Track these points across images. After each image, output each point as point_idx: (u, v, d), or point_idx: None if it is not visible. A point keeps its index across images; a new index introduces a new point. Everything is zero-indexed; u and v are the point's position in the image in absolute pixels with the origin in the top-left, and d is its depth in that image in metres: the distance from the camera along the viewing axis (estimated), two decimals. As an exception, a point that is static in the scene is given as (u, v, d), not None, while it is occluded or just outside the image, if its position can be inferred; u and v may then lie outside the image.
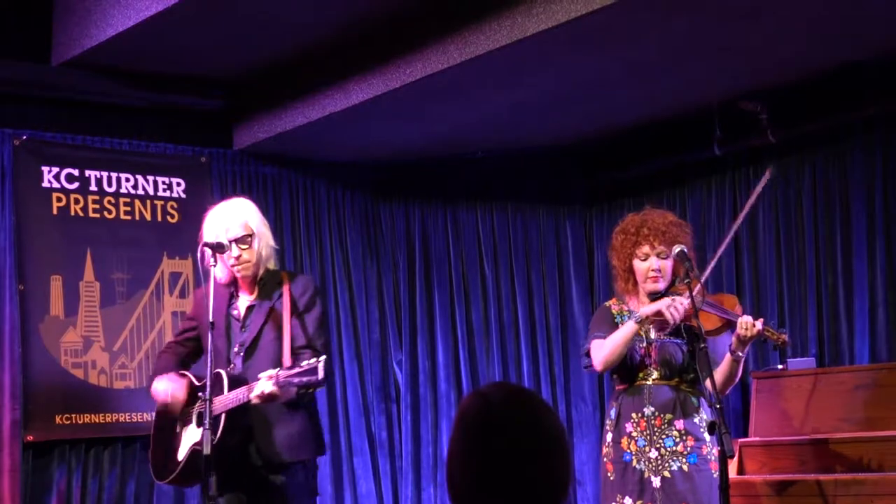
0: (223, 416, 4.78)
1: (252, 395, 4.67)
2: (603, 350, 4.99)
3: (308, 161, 7.65)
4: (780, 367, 6.70)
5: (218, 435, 4.74)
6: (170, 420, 5.18)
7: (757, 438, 6.32)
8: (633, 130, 7.76)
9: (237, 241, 4.96)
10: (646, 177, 8.05)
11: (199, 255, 5.07)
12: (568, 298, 8.32)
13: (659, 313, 4.87)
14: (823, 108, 6.91)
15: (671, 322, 4.86)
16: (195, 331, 5.24)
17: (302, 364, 4.58)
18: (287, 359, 4.79)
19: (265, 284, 5.09)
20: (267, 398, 4.64)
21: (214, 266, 4.91)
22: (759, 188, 5.24)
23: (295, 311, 5.00)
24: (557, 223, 8.39)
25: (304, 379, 4.53)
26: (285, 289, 5.05)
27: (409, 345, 7.96)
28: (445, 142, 7.54)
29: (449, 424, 7.51)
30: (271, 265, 5.13)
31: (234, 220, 5.00)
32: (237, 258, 4.96)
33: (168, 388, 5.08)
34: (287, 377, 4.57)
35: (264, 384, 4.63)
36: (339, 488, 7.45)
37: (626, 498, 4.97)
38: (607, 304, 5.21)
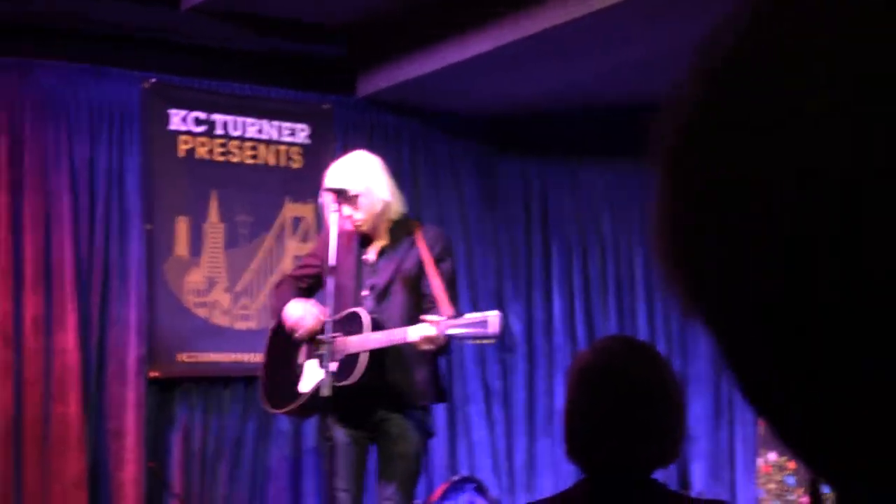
0: (364, 357, 4.87)
1: (411, 337, 4.73)
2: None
3: (429, 111, 7.67)
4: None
5: (358, 374, 4.84)
6: (289, 347, 5.26)
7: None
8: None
9: (346, 201, 5.02)
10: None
11: (321, 200, 5.16)
12: (686, 254, 8.25)
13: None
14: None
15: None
16: (317, 268, 5.31)
17: (468, 316, 4.65)
18: (447, 308, 4.85)
19: (396, 231, 5.16)
20: (430, 341, 4.71)
21: (338, 211, 4.98)
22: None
23: (429, 260, 5.07)
24: (678, 178, 8.31)
25: (472, 331, 4.61)
26: (418, 237, 5.11)
27: (526, 296, 7.97)
28: (566, 95, 7.50)
29: (563, 377, 7.51)
30: (395, 214, 5.18)
31: (342, 180, 5.07)
32: (349, 217, 5.04)
33: (305, 313, 5.15)
34: (451, 326, 4.64)
35: (426, 328, 4.69)
36: (452, 435, 7.51)
37: (770, 453, 4.93)
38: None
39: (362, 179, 5.08)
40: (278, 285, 5.52)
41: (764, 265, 0.59)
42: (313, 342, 5.17)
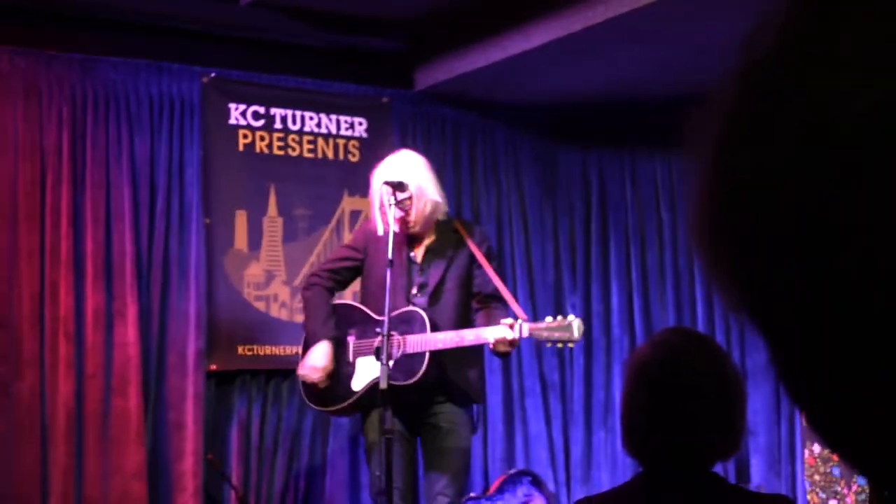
0: (427, 356, 4.90)
1: (491, 339, 4.77)
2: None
3: (487, 103, 7.67)
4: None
5: (420, 373, 4.87)
6: (334, 348, 5.31)
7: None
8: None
9: (397, 203, 5.04)
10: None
11: (376, 194, 5.17)
12: (745, 246, 8.19)
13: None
14: None
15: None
16: (356, 261, 5.34)
17: (550, 319, 4.70)
18: (520, 310, 4.90)
19: (442, 231, 5.18)
20: (506, 343, 4.75)
21: (394, 204, 4.99)
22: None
23: (483, 259, 5.09)
24: (737, 170, 8.26)
25: (557, 335, 4.66)
26: (465, 237, 5.13)
27: (584, 288, 7.95)
28: (624, 87, 7.47)
29: (621, 370, 7.49)
30: (441, 215, 5.20)
31: (399, 175, 5.09)
32: (399, 220, 5.05)
33: (321, 371, 5.21)
34: (534, 330, 4.69)
35: (504, 330, 4.73)
36: (509, 429, 7.50)
37: (815, 444, 4.92)
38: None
39: (414, 180, 5.09)
40: (311, 285, 5.53)
41: (805, 262, 0.59)
42: (358, 342, 5.23)
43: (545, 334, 4.70)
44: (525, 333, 4.73)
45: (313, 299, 5.44)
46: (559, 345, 4.77)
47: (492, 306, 5.11)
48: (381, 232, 5.15)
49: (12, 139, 6.24)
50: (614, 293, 7.97)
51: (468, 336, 4.86)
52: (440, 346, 4.90)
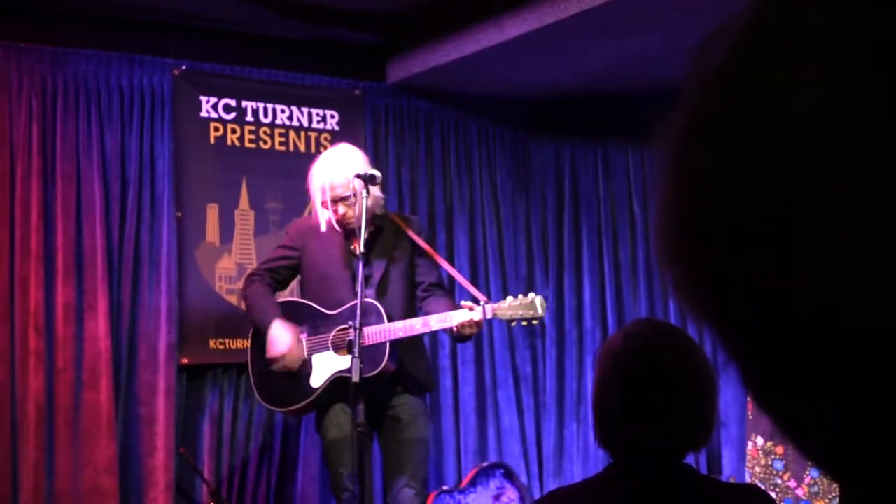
0: (387, 346, 4.92)
1: (455, 323, 4.78)
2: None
3: (460, 96, 7.67)
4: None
5: (383, 364, 4.88)
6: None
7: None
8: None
9: (340, 199, 5.05)
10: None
11: (317, 191, 5.17)
12: (717, 239, 8.22)
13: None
14: None
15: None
16: (294, 260, 5.35)
17: (513, 299, 4.73)
18: (478, 293, 4.93)
19: (381, 223, 5.19)
20: (472, 326, 4.76)
21: (367, 197, 5.00)
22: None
23: (420, 249, 5.12)
24: (709, 163, 8.28)
25: (521, 313, 4.69)
26: (404, 228, 5.15)
27: (556, 281, 7.96)
28: (598, 79, 7.48)
29: (593, 362, 7.51)
30: (380, 209, 5.22)
31: (338, 177, 5.08)
32: (342, 215, 5.06)
33: (291, 348, 5.19)
34: (498, 310, 4.71)
35: (467, 314, 4.75)
36: (482, 421, 7.51)
37: (759, 437, 4.95)
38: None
39: (354, 175, 5.09)
40: (251, 281, 5.51)
41: (770, 262, 0.60)
42: (311, 339, 5.23)
43: (509, 313, 4.73)
44: (489, 314, 4.75)
45: (254, 292, 5.41)
46: (524, 322, 4.79)
47: (437, 294, 5.17)
48: (323, 227, 5.17)
49: (-19, 131, 6.21)
50: (586, 286, 7.99)
51: (433, 322, 4.88)
52: (402, 334, 4.93)
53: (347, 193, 5.05)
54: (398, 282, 5.15)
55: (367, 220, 5.04)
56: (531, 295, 4.78)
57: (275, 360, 5.25)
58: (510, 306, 4.74)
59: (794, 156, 0.58)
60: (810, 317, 0.58)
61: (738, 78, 0.62)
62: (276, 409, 5.50)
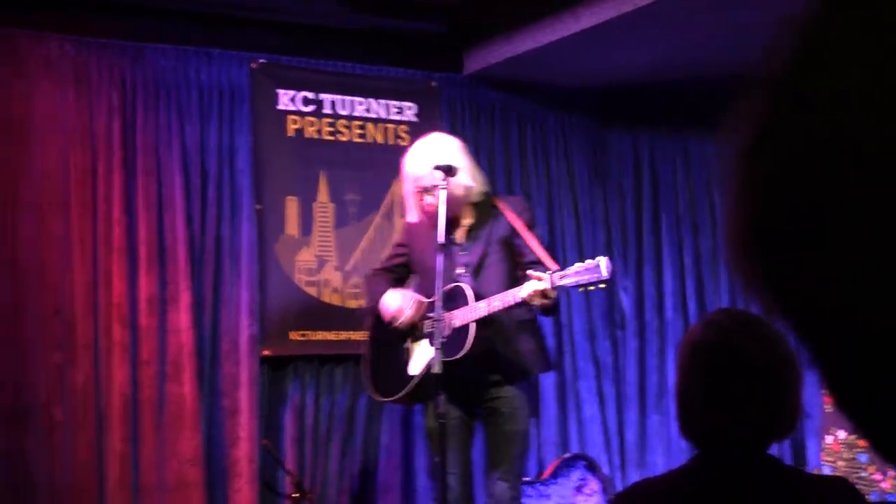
0: (473, 326, 4.90)
1: (522, 294, 4.74)
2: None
3: (536, 86, 7.63)
4: None
5: (468, 346, 4.87)
6: (392, 335, 5.31)
7: None
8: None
9: (425, 191, 5.05)
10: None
11: (409, 181, 5.18)
12: (800, 227, 8.12)
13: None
14: None
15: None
16: (404, 256, 5.39)
17: (579, 264, 4.68)
18: (551, 263, 4.86)
19: (481, 207, 5.18)
20: (542, 294, 4.71)
21: (446, 188, 4.99)
22: None
23: (521, 226, 5.08)
24: (790, 150, 8.18)
25: (587, 277, 4.62)
26: (504, 209, 5.13)
27: (636, 272, 7.91)
28: (675, 67, 7.42)
29: (675, 352, 7.45)
30: (476, 197, 5.20)
31: (421, 168, 5.09)
32: (431, 205, 5.06)
33: (403, 303, 5.21)
34: (564, 276, 4.65)
35: (535, 283, 4.70)
36: (563, 412, 7.48)
37: (840, 430, 4.88)
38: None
39: (456, 175, 5.09)
40: (370, 279, 5.59)
41: (829, 262, 0.60)
42: (413, 328, 5.23)
43: (574, 279, 4.67)
44: (556, 282, 4.70)
45: (369, 284, 5.51)
46: (591, 287, 4.72)
47: (538, 270, 5.11)
48: (413, 219, 5.18)
49: (62, 127, 6.29)
50: (667, 277, 7.93)
51: (508, 297, 4.86)
52: (483, 313, 4.90)
53: (432, 184, 5.04)
54: (496, 265, 5.13)
55: (453, 210, 5.05)
56: (597, 258, 4.71)
57: (392, 321, 5.26)
58: (575, 272, 4.69)
59: (825, 159, 0.59)
60: (838, 318, 0.59)
61: (804, 81, 0.62)
62: (383, 399, 5.53)
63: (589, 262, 4.68)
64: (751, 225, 0.63)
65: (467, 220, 5.19)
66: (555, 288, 4.72)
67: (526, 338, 5.11)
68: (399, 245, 5.55)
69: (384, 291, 5.34)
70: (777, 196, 0.61)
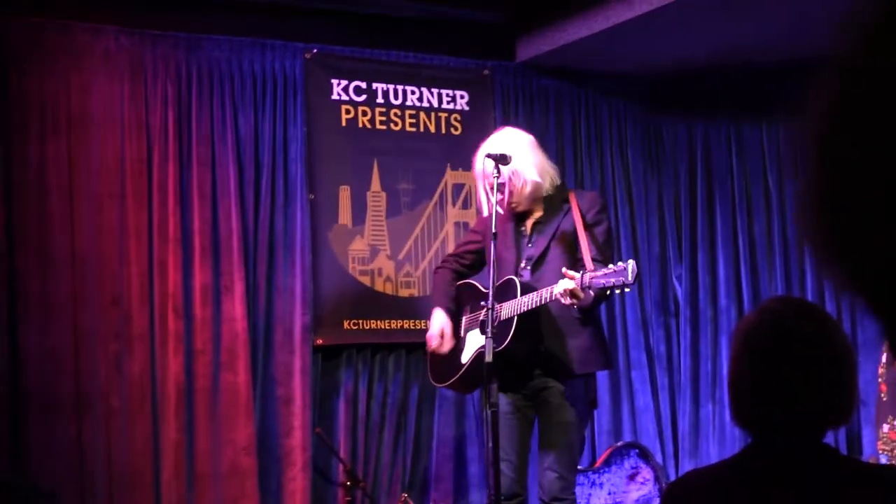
0: (514, 321, 4.92)
1: (556, 291, 4.75)
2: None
3: (589, 74, 7.61)
4: None
5: (508, 339, 4.88)
6: (452, 324, 5.37)
7: None
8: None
9: (493, 184, 5.06)
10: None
11: (479, 173, 5.19)
12: (855, 214, 8.04)
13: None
14: None
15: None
16: (479, 244, 5.41)
17: (610, 266, 4.67)
18: (589, 263, 4.85)
19: (551, 200, 5.18)
20: (570, 294, 4.71)
21: (498, 177, 5.00)
22: None
23: (584, 225, 5.07)
24: (846, 137, 8.11)
25: (613, 280, 4.61)
26: (573, 204, 5.13)
27: (689, 259, 7.87)
28: (729, 53, 7.37)
29: (729, 341, 7.41)
30: (546, 191, 5.19)
31: (488, 165, 5.10)
32: (500, 202, 5.07)
33: (434, 331, 5.31)
34: (593, 278, 4.65)
35: (566, 282, 4.71)
36: (616, 401, 7.47)
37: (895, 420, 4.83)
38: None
39: (507, 163, 5.08)
40: (437, 270, 5.67)
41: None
42: (470, 318, 5.29)
43: (602, 281, 4.66)
44: (585, 282, 4.70)
45: (436, 279, 5.59)
46: (617, 290, 4.71)
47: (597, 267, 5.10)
48: (485, 212, 5.20)
49: (119, 118, 6.34)
50: (721, 263, 7.88)
51: (544, 294, 4.87)
52: (524, 307, 4.92)
53: (498, 178, 5.05)
54: (556, 260, 5.12)
55: (521, 204, 5.09)
56: (627, 261, 4.70)
57: (427, 341, 5.38)
58: (604, 274, 4.67)
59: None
60: None
61: (876, 69, 0.63)
62: (437, 384, 5.61)
63: (620, 264, 4.67)
64: (833, 199, 0.64)
65: (538, 214, 5.21)
66: (583, 289, 4.71)
67: (580, 334, 5.07)
68: (474, 231, 5.59)
69: (442, 288, 5.45)
70: (859, 170, 0.62)
